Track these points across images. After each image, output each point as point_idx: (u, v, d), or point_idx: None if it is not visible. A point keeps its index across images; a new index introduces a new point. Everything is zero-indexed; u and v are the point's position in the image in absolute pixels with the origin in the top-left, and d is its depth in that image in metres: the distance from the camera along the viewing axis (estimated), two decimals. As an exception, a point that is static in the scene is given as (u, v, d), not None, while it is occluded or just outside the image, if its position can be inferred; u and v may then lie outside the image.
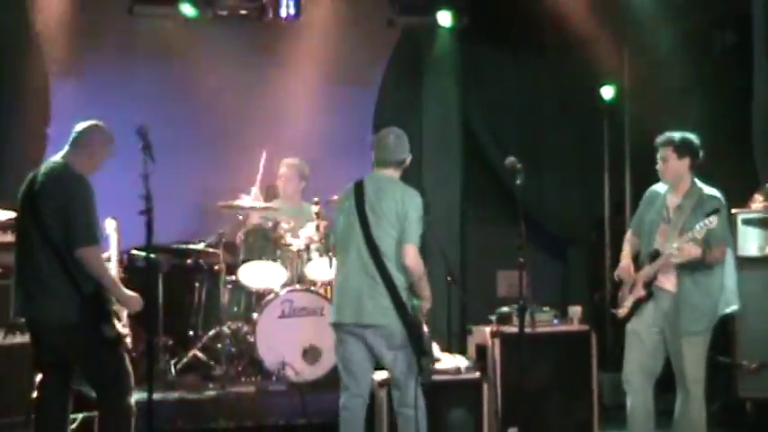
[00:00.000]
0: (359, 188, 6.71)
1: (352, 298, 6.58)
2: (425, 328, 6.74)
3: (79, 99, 9.05)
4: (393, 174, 6.79)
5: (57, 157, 6.47)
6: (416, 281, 6.61)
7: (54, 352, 6.42)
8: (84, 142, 6.44)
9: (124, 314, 6.57)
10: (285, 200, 9.25)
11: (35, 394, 6.59)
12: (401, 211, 6.57)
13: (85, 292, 6.23)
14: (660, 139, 7.09)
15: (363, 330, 6.57)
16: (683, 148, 6.99)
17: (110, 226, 7.10)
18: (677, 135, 7.03)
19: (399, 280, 6.54)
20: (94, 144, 6.44)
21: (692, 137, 7.05)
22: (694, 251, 6.70)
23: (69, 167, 6.34)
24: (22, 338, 6.98)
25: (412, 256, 6.55)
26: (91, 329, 6.23)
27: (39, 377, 6.57)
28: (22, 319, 6.59)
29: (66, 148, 6.48)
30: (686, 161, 6.99)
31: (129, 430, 6.40)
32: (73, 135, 6.48)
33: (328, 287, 8.58)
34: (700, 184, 7.03)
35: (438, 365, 7.39)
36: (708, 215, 6.69)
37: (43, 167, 6.46)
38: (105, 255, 6.82)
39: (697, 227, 6.68)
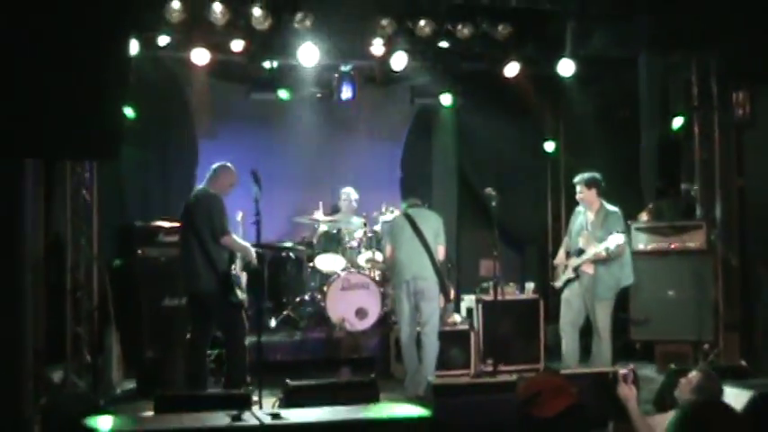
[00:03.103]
0: (407, 215, 7.29)
1: (410, 267, 7.11)
2: (450, 286, 7.52)
3: (215, 152, 9.15)
4: (421, 207, 7.43)
5: (201, 186, 6.78)
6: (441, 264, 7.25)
7: (200, 310, 6.61)
8: (213, 176, 6.71)
9: (243, 286, 6.69)
10: (345, 214, 9.10)
11: (188, 336, 6.84)
12: (437, 227, 7.27)
13: (220, 272, 6.42)
14: (576, 178, 7.28)
15: (416, 282, 7.09)
16: (590, 183, 7.17)
17: (239, 216, 7.20)
18: (587, 174, 7.19)
19: (436, 259, 7.15)
20: (217, 178, 6.68)
21: (596, 174, 7.19)
22: (603, 255, 6.95)
23: (208, 191, 6.63)
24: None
25: (442, 252, 7.26)
26: (223, 296, 6.43)
27: (191, 326, 6.79)
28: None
29: (205, 180, 6.76)
30: (594, 190, 7.16)
31: (245, 362, 6.58)
32: (210, 171, 6.77)
33: (372, 270, 8.66)
34: (606, 204, 7.20)
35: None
36: (618, 232, 6.89)
37: (193, 193, 6.78)
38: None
39: (610, 240, 6.84)
